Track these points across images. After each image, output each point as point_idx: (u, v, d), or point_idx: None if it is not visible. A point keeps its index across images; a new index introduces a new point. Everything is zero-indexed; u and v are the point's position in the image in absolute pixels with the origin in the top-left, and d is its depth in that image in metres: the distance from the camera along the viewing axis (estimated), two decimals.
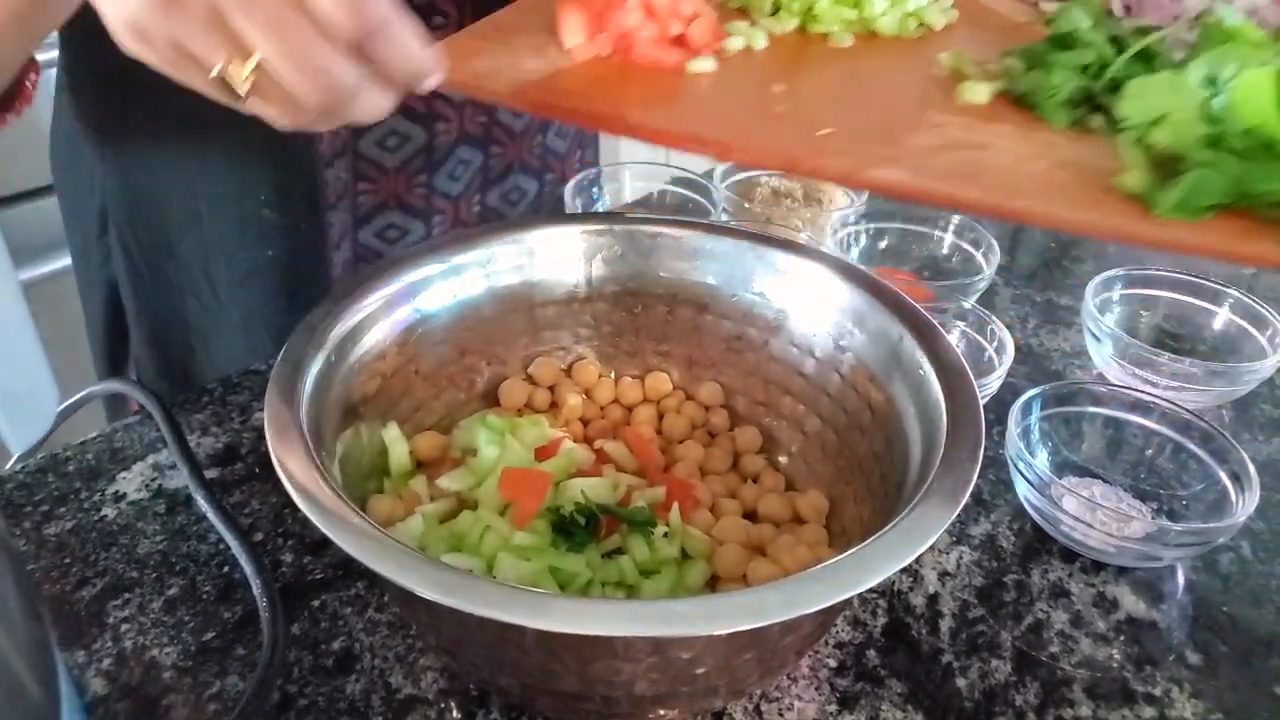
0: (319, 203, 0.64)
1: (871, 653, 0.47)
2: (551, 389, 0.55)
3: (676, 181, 0.77)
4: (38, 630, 0.30)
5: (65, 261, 0.83)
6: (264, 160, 0.64)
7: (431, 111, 0.65)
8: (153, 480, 0.55)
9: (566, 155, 0.76)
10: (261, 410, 0.59)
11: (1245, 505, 0.51)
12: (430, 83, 0.40)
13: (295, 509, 0.53)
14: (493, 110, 0.68)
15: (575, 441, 0.51)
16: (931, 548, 0.53)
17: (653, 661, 0.36)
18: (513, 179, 0.72)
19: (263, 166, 0.64)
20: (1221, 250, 0.36)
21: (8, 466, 0.56)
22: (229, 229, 0.66)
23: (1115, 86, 0.43)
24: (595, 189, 0.76)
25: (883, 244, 0.78)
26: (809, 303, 0.51)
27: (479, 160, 0.69)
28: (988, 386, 0.60)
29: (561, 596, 0.38)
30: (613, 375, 0.56)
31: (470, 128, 0.67)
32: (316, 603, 0.48)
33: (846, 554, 0.35)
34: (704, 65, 0.48)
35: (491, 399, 0.54)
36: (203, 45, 0.36)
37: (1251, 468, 0.52)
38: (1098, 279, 0.69)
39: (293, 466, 0.37)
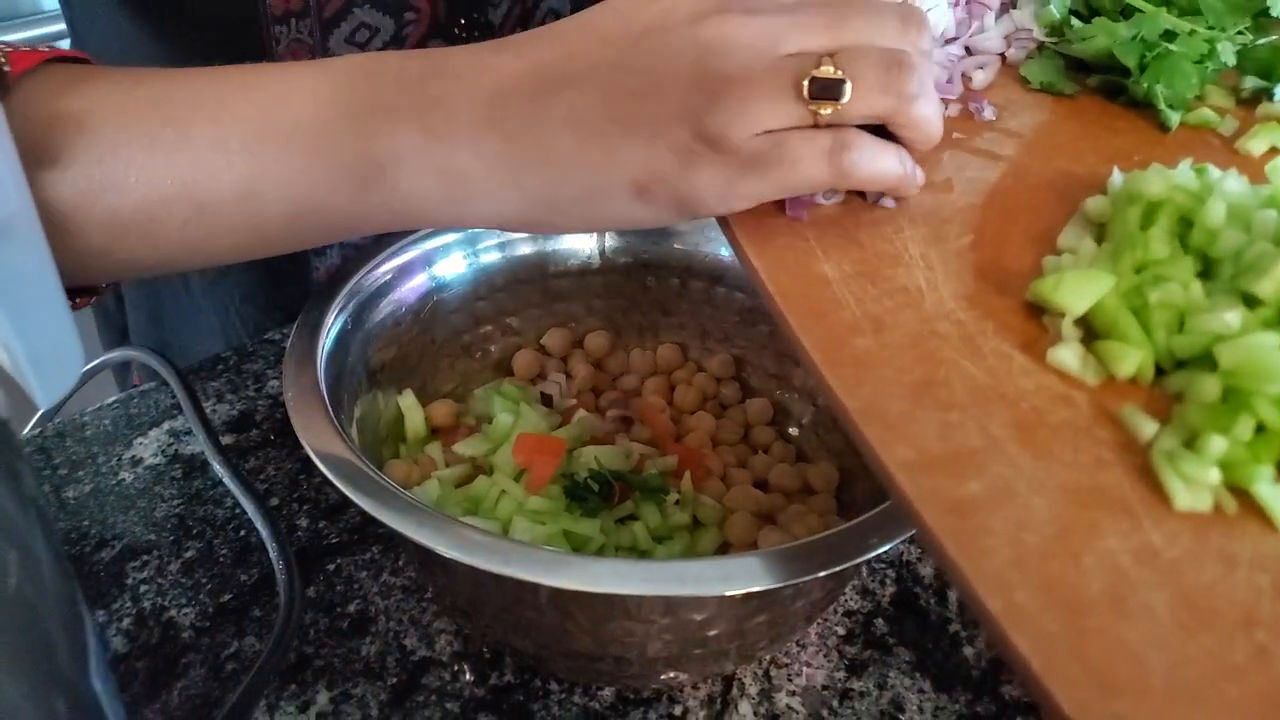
0: None
1: (880, 621, 0.48)
2: (564, 359, 0.55)
3: None
4: (66, 587, 0.31)
5: None
6: None
7: None
8: (169, 445, 0.56)
9: None
10: (276, 378, 0.60)
11: None
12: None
13: (311, 474, 0.54)
14: None
15: (587, 412, 0.52)
16: None
17: (666, 623, 0.36)
18: None
19: None
20: None
21: (25, 431, 0.57)
22: None
23: None
24: None
25: None
26: None
27: None
28: None
29: (577, 556, 0.38)
30: (625, 346, 0.56)
31: None
32: (332, 566, 0.49)
33: (858, 520, 0.35)
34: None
35: (505, 368, 0.54)
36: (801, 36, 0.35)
37: None
38: None
39: (312, 429, 0.38)
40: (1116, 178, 0.37)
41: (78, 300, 0.42)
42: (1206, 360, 0.30)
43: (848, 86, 0.34)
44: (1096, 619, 0.25)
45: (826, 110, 0.34)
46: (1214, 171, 0.35)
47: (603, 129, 0.35)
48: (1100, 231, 0.36)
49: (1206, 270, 0.32)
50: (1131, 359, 0.31)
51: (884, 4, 0.36)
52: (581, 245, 0.54)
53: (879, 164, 0.35)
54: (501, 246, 0.52)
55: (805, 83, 0.34)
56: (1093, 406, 0.31)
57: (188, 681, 0.43)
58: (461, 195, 0.36)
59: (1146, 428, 0.29)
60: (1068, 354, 0.31)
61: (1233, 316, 0.29)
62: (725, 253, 0.54)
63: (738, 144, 0.34)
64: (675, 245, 0.54)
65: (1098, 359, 0.32)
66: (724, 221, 0.37)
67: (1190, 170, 0.35)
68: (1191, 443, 0.28)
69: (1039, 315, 0.33)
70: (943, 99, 0.43)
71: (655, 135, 0.34)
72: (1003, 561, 0.26)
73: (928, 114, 0.36)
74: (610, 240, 0.54)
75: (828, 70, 0.34)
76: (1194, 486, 0.28)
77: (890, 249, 0.36)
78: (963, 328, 0.33)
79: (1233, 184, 0.34)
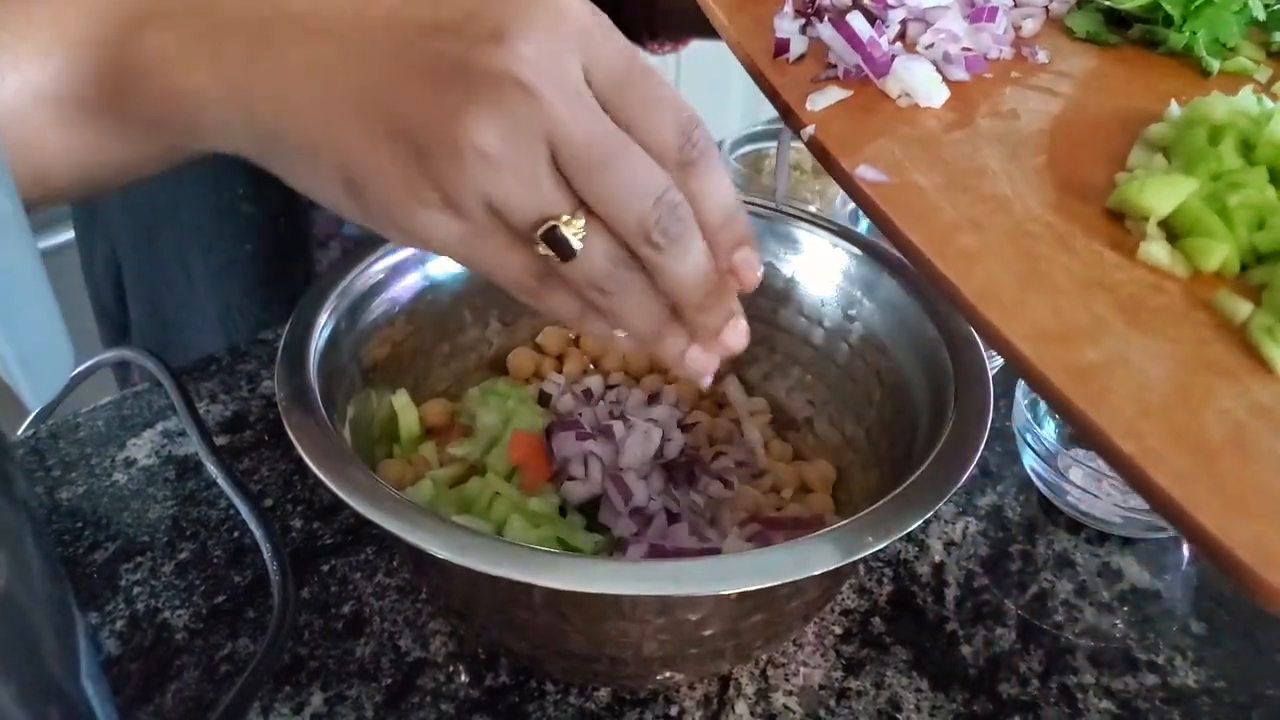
0: (297, 198, 0.63)
1: (877, 620, 0.47)
2: (559, 358, 0.55)
3: None
4: (57, 589, 0.30)
5: (63, 237, 0.83)
6: None
7: None
8: (163, 446, 0.55)
9: None
10: (270, 379, 0.60)
11: None
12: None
13: (304, 475, 0.53)
14: None
15: None
16: (937, 518, 0.53)
17: (661, 622, 0.36)
18: None
19: (239, 158, 0.62)
20: None
21: (19, 433, 0.57)
22: (207, 221, 0.65)
23: None
24: None
25: None
26: (818, 273, 0.51)
27: None
28: (996, 357, 0.60)
29: (572, 556, 0.38)
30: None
31: None
32: (326, 567, 0.48)
33: (853, 518, 0.35)
34: None
35: (500, 367, 0.54)
36: (543, 193, 0.31)
37: None
38: None
39: (305, 430, 0.37)
40: (1174, 107, 0.40)
41: None
42: None
43: (577, 258, 0.31)
44: (1225, 461, 0.28)
45: (544, 252, 0.31)
46: (1268, 100, 0.38)
47: (341, 99, 0.31)
48: (1166, 154, 0.38)
49: (1274, 182, 0.35)
50: (1219, 252, 0.34)
51: (664, 142, 0.31)
52: None
53: (562, 304, 0.34)
54: None
55: (543, 225, 0.31)
56: (1185, 294, 0.34)
57: (181, 684, 0.43)
58: (193, 108, 0.34)
59: (1242, 309, 0.33)
60: (1158, 249, 0.35)
61: None
62: None
63: (458, 196, 0.31)
64: None
65: (1184, 255, 0.35)
66: (817, 143, 0.40)
67: (1251, 96, 0.38)
68: None
69: (1120, 221, 0.37)
70: (998, 44, 0.47)
71: (383, 137, 0.31)
72: (1131, 414, 0.29)
73: (632, 324, 0.34)
74: None
75: (573, 227, 0.31)
76: None
77: (972, 164, 0.39)
78: (1053, 229, 0.36)
79: None
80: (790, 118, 0.42)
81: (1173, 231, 0.36)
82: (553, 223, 0.31)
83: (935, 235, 0.36)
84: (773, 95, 0.43)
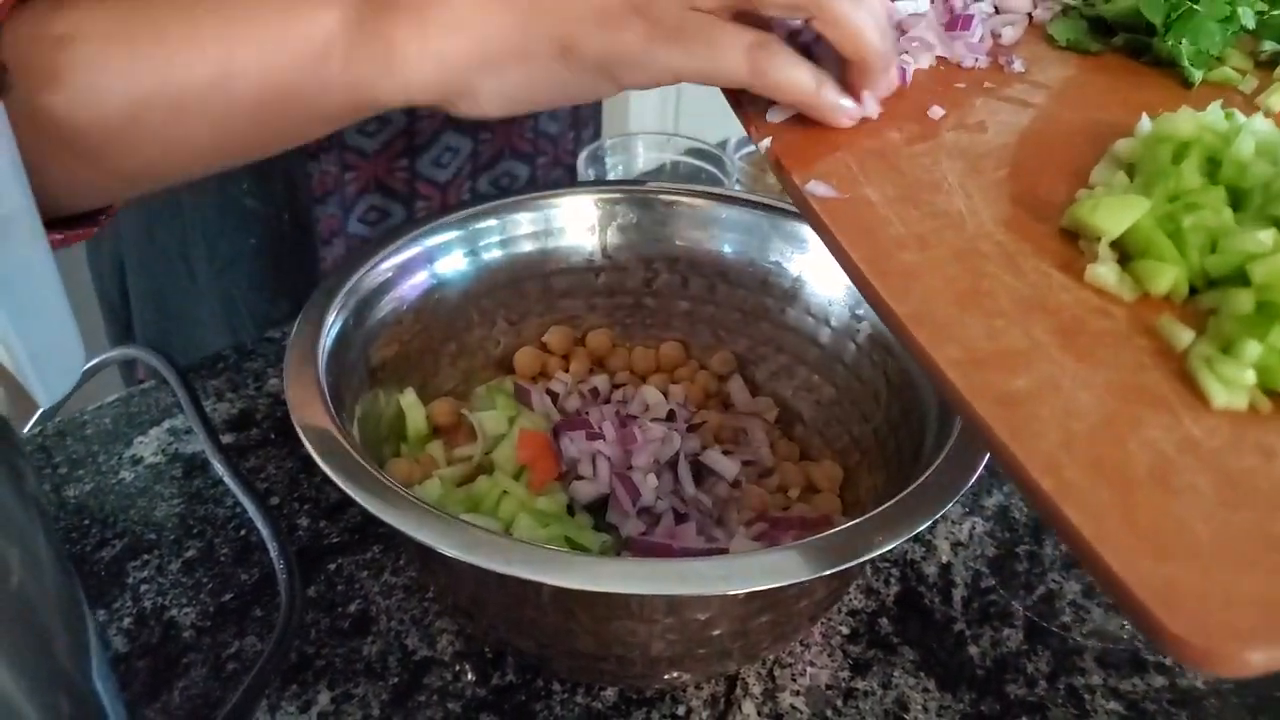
0: (300, 194, 0.63)
1: (884, 621, 0.47)
2: (565, 357, 0.55)
3: (690, 152, 0.77)
4: (67, 585, 0.31)
5: None
6: None
7: None
8: (169, 444, 0.55)
9: (559, 137, 0.74)
10: (276, 377, 0.60)
11: None
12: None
13: (311, 473, 0.53)
14: None
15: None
16: (944, 518, 0.53)
17: (669, 622, 0.36)
18: (503, 164, 0.71)
19: None
20: None
21: (25, 430, 0.57)
22: (209, 216, 0.66)
23: None
24: (608, 159, 0.75)
25: None
26: (825, 272, 0.51)
27: (468, 147, 0.67)
28: None
29: (580, 555, 0.38)
30: (627, 344, 0.56)
31: None
32: (333, 566, 0.48)
33: (861, 518, 0.35)
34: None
35: (506, 366, 0.54)
36: None
37: None
38: None
39: (313, 428, 0.37)
40: (1145, 122, 0.38)
41: (66, 235, 0.43)
42: (1239, 278, 0.32)
43: None
44: (1144, 494, 0.27)
45: None
46: (1239, 116, 0.36)
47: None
48: (1130, 171, 0.37)
49: (1235, 204, 0.34)
50: (1167, 275, 0.33)
51: None
52: (583, 242, 0.54)
53: (791, 72, 0.38)
54: (503, 244, 0.52)
55: None
56: (1130, 319, 0.33)
57: (188, 681, 0.43)
58: (396, 60, 0.39)
59: (1183, 336, 0.31)
60: (1106, 271, 0.33)
61: (1266, 236, 0.31)
62: (727, 249, 0.54)
63: (661, 12, 0.37)
64: (677, 242, 0.54)
65: (1133, 278, 0.34)
66: (773, 155, 0.40)
67: (1220, 111, 0.36)
68: (1227, 349, 0.30)
69: (1074, 240, 0.35)
70: (973, 53, 0.45)
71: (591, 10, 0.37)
72: (1052, 444, 0.28)
73: (845, 11, 0.37)
74: (613, 237, 0.54)
75: None
76: (1231, 387, 0.29)
77: (929, 178, 0.38)
78: (1003, 248, 0.35)
79: (1259, 124, 0.35)
80: (749, 129, 0.41)
81: (1126, 253, 0.34)
82: None
83: (878, 252, 0.34)
84: (735, 106, 0.42)
